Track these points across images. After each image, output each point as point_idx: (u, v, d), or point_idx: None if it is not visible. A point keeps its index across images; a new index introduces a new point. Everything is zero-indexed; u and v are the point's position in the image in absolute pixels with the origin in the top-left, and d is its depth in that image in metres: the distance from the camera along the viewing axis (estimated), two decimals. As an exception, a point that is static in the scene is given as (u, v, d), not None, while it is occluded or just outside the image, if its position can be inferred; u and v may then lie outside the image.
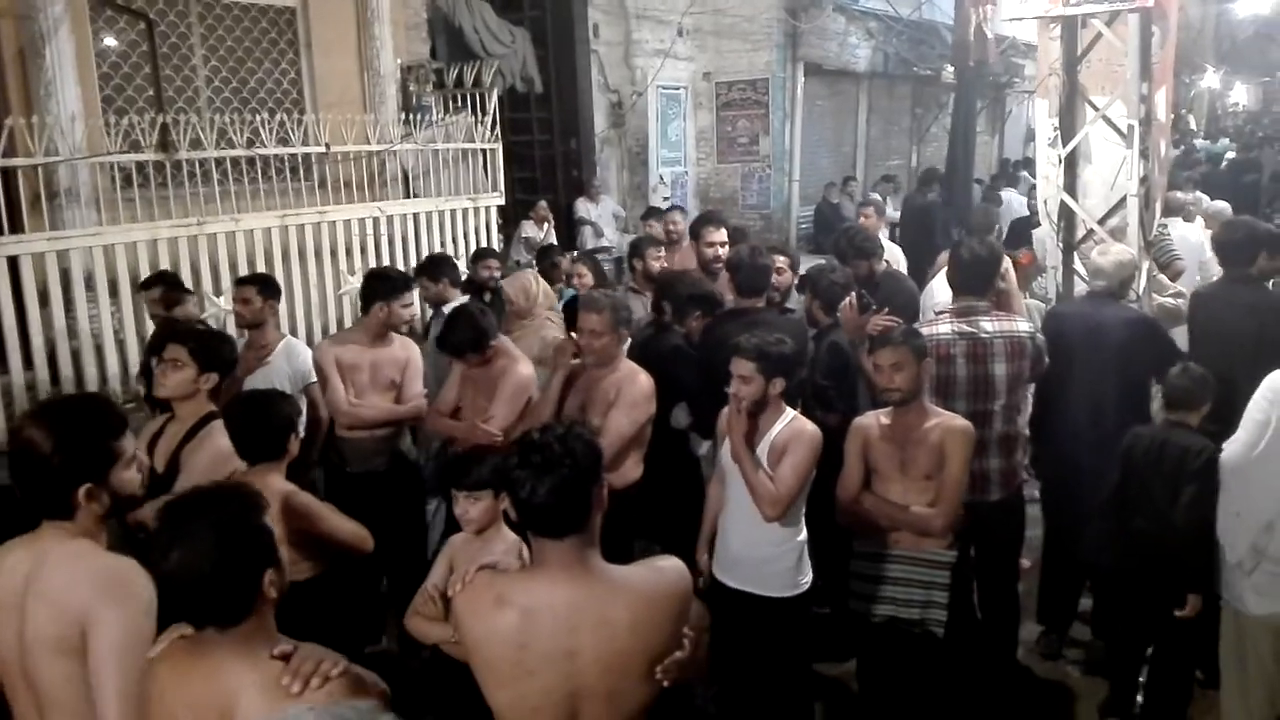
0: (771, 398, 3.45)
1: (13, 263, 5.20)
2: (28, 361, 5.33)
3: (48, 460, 2.18)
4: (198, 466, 3.34)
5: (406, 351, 4.56)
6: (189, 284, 5.99)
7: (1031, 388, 4.41)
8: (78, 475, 2.20)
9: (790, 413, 3.53)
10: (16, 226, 5.27)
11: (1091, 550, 4.06)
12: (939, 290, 5.07)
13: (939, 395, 3.92)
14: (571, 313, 5.52)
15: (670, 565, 2.22)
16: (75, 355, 5.54)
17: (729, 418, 3.52)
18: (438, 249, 7.58)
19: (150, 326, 5.62)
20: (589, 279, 5.76)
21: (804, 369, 4.52)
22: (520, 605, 2.07)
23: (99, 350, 5.65)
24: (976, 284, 4.10)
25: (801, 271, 5.28)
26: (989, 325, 4.00)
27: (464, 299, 5.31)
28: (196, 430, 3.47)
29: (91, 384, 5.58)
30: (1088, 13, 5.09)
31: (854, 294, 4.51)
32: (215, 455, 3.37)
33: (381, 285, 4.50)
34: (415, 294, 4.62)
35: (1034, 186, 7.87)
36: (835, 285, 4.60)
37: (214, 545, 1.80)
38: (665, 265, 5.68)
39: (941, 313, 4.27)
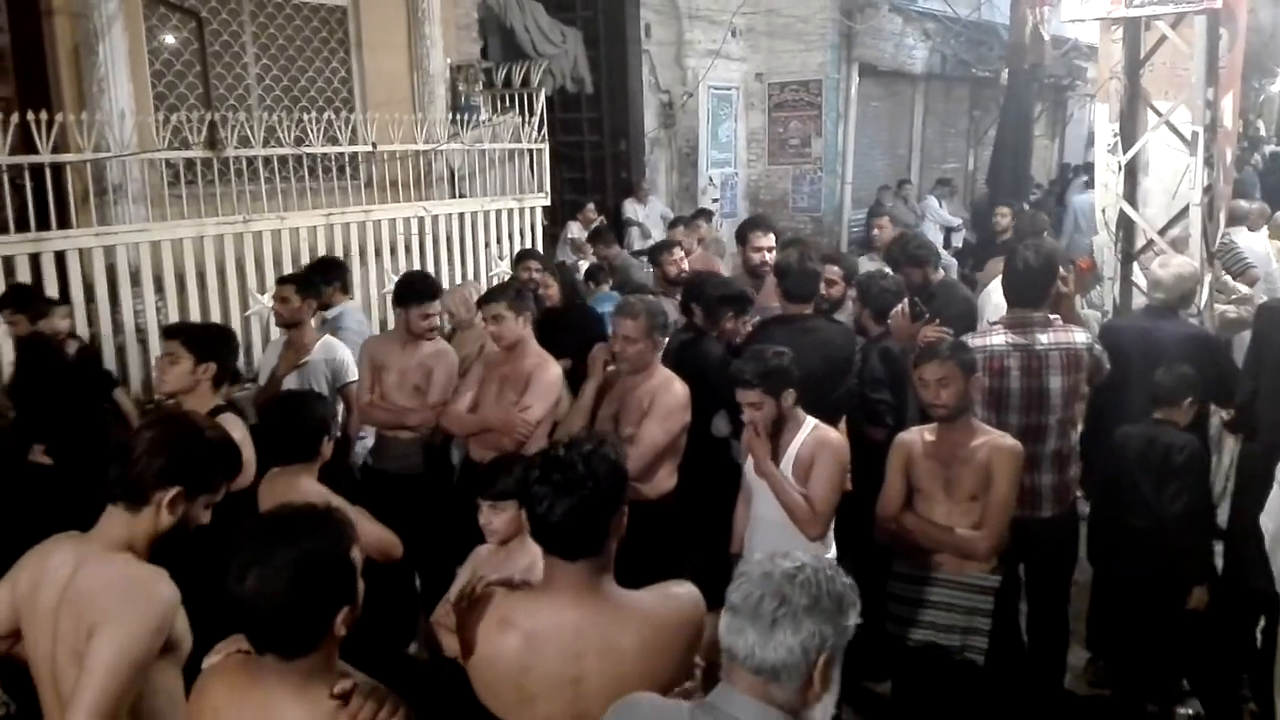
0: (788, 410, 3.36)
1: (60, 258, 5.25)
2: (72, 356, 5.37)
3: (170, 446, 2.20)
4: None
5: (437, 358, 4.51)
6: (233, 281, 6.04)
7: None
8: (179, 476, 2.20)
9: (811, 422, 3.43)
10: (66, 222, 5.32)
11: (1094, 555, 4.10)
12: (996, 296, 4.91)
13: (992, 408, 3.81)
14: (543, 328, 5.41)
15: (683, 591, 2.15)
16: (120, 350, 5.59)
17: (748, 441, 3.43)
18: (482, 249, 7.57)
19: (195, 318, 5.69)
20: (554, 290, 5.66)
21: (850, 378, 4.40)
22: (524, 628, 2.01)
23: (144, 345, 5.69)
24: (1031, 295, 3.95)
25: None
26: (1044, 337, 3.85)
27: (351, 303, 5.41)
28: None
29: (135, 380, 5.63)
30: (1152, 14, 4.92)
31: (906, 300, 4.38)
32: None
33: (401, 291, 4.51)
34: (437, 305, 4.55)
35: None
36: (886, 292, 4.47)
37: (293, 576, 1.72)
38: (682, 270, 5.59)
39: (995, 323, 4.15)
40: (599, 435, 2.16)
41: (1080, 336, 3.91)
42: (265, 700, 1.77)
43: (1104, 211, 5.28)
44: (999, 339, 3.89)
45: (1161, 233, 5.09)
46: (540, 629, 1.99)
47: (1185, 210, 5.01)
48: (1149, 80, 5.14)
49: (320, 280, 5.10)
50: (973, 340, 3.89)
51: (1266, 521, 3.20)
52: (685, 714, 1.72)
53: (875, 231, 6.76)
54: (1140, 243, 5.21)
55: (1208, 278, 5.02)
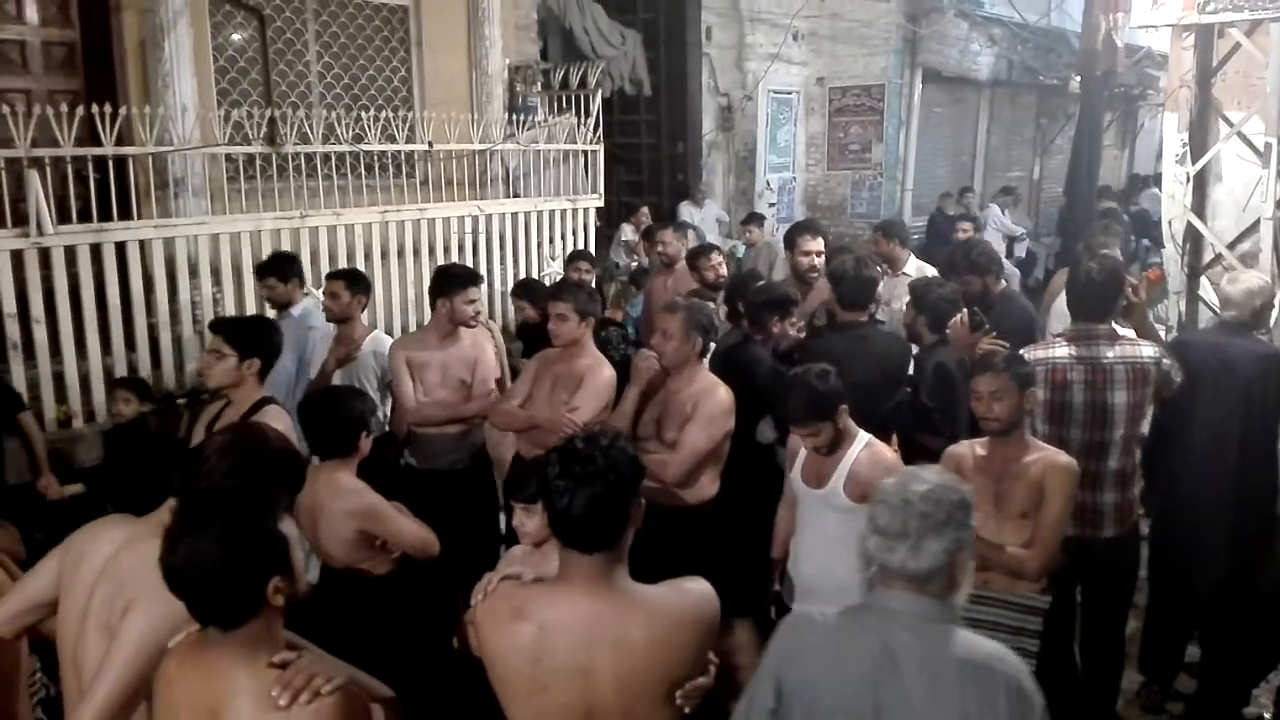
0: (843, 427, 3.34)
1: (121, 249, 5.34)
2: (130, 344, 5.47)
3: (240, 449, 2.30)
4: None
5: (477, 349, 4.51)
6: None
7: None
8: (244, 478, 2.25)
9: (864, 437, 3.37)
10: (127, 213, 5.42)
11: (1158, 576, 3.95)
12: (1062, 309, 4.78)
13: (1053, 422, 3.72)
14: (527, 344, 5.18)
15: (696, 587, 2.15)
16: (177, 340, 5.68)
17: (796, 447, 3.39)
18: (535, 249, 7.58)
19: (251, 311, 5.75)
20: (530, 311, 5.50)
21: (903, 389, 4.32)
22: (538, 619, 2.02)
23: (200, 336, 5.77)
24: (1095, 308, 3.83)
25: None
26: (1110, 350, 3.74)
27: (310, 299, 5.13)
28: (249, 416, 3.48)
29: (191, 367, 5.71)
30: (1226, 21, 4.74)
31: (966, 310, 4.29)
32: None
33: (443, 281, 4.46)
34: (480, 289, 4.56)
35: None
36: (944, 301, 4.38)
37: (220, 545, 1.80)
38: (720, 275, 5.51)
39: (1058, 335, 4.05)
40: (610, 430, 2.17)
41: (1148, 350, 3.78)
42: (209, 669, 1.83)
43: (1170, 224, 5.11)
44: (1062, 351, 3.79)
45: (1231, 247, 4.92)
46: (553, 620, 2.01)
47: (1256, 224, 4.83)
48: (1221, 89, 4.97)
49: (278, 278, 4.95)
50: (1034, 352, 3.80)
51: None
52: (848, 617, 2.03)
53: (875, 247, 6.03)
54: (1208, 256, 5.03)
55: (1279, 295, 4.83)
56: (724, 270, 5.54)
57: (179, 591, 1.84)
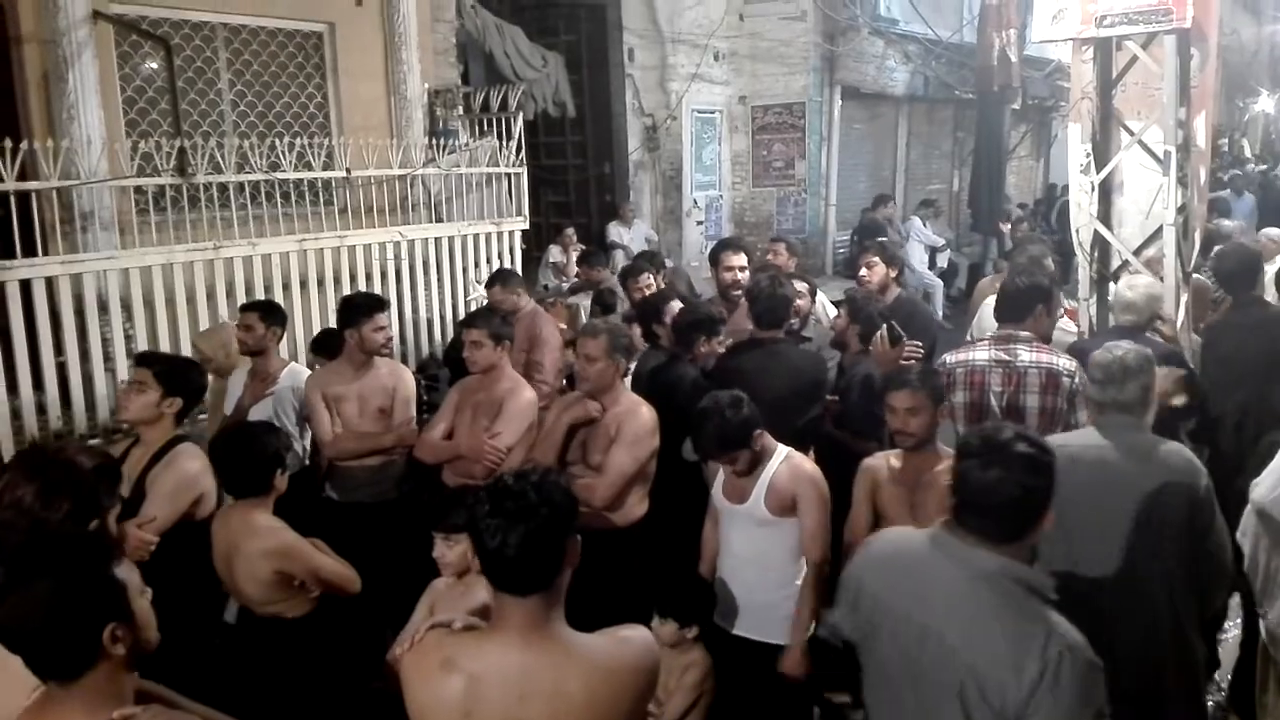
0: (760, 450, 3.37)
1: (26, 286, 5.17)
2: (38, 383, 5.29)
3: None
4: (162, 491, 3.32)
5: (395, 378, 4.45)
6: (205, 308, 5.96)
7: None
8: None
9: (782, 450, 3.39)
10: (32, 250, 5.24)
11: None
12: (987, 317, 4.91)
13: (971, 423, 3.81)
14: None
15: (637, 636, 2.06)
16: (88, 379, 5.51)
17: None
18: (460, 274, 7.52)
19: (164, 346, 5.60)
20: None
21: (818, 406, 4.36)
22: (468, 670, 1.92)
23: (112, 374, 5.62)
24: (1014, 312, 3.98)
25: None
26: (1026, 355, 3.85)
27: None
28: (161, 454, 3.41)
29: (103, 406, 5.56)
30: (1122, 34, 4.87)
31: (886, 326, 4.36)
32: (180, 479, 3.34)
33: (348, 312, 4.39)
34: (387, 315, 4.48)
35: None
36: (878, 315, 4.47)
37: (50, 594, 1.73)
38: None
39: (982, 339, 4.15)
40: (543, 466, 2.09)
41: (1063, 361, 3.87)
42: None
43: (1078, 232, 5.24)
44: (982, 354, 3.90)
45: (1136, 253, 5.05)
46: (484, 671, 1.91)
47: (1159, 231, 4.97)
48: (1121, 100, 5.11)
49: None
50: (954, 355, 3.92)
51: (1242, 539, 3.17)
52: (1086, 433, 3.10)
53: (770, 257, 6.10)
54: (1116, 263, 5.16)
55: (1184, 298, 4.96)
56: (651, 291, 5.55)
57: (10, 645, 1.77)
